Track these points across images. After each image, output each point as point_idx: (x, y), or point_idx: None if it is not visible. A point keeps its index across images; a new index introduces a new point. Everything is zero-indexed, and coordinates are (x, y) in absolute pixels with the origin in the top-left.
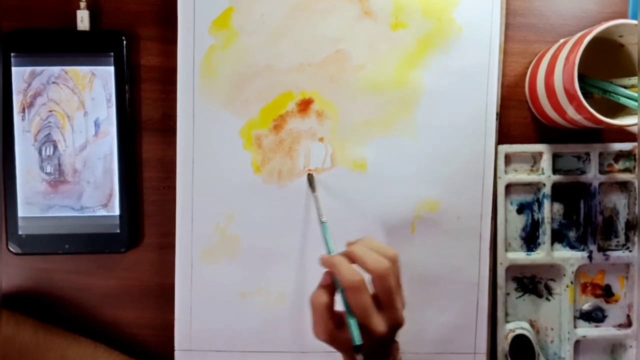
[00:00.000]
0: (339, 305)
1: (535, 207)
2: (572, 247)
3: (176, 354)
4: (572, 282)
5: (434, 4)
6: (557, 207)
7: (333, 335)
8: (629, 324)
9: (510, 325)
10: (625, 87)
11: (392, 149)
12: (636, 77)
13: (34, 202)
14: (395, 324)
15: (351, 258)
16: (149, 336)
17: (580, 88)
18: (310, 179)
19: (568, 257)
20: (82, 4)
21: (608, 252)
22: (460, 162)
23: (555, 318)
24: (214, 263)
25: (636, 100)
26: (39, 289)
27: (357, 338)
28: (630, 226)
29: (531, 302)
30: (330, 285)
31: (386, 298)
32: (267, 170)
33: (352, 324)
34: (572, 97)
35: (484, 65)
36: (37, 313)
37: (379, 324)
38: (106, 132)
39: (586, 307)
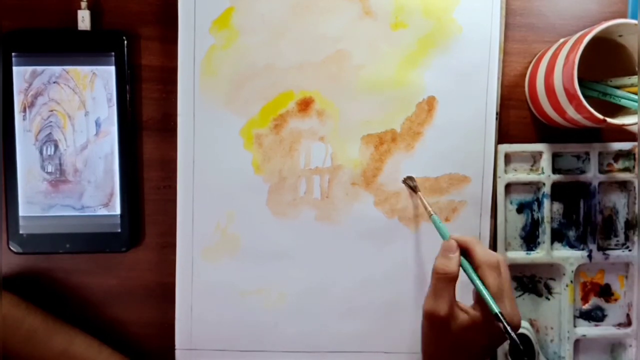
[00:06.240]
0: None
1: (535, 207)
2: (572, 247)
3: (177, 353)
4: (571, 282)
5: (434, 4)
6: (557, 206)
7: (453, 309)
8: (628, 323)
9: None
10: (624, 86)
11: None
12: (636, 77)
13: (35, 202)
14: (517, 318)
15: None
16: (150, 335)
17: (580, 92)
18: (410, 182)
19: (568, 256)
20: (83, 4)
21: (608, 252)
22: (460, 161)
23: (555, 317)
24: (215, 262)
25: (636, 102)
26: (40, 288)
27: (495, 307)
28: (629, 225)
29: (531, 301)
30: (457, 258)
31: (508, 285)
32: (268, 169)
33: (488, 296)
34: (571, 97)
35: (483, 65)
36: None
37: (510, 306)
38: (107, 132)
39: (586, 306)
